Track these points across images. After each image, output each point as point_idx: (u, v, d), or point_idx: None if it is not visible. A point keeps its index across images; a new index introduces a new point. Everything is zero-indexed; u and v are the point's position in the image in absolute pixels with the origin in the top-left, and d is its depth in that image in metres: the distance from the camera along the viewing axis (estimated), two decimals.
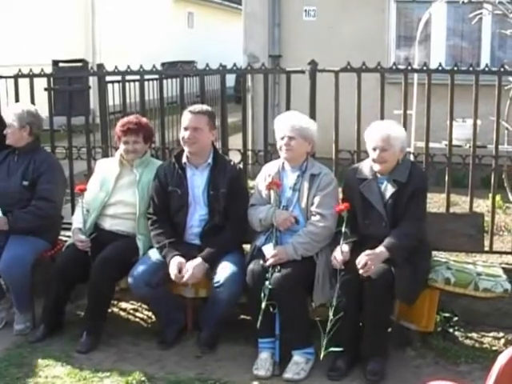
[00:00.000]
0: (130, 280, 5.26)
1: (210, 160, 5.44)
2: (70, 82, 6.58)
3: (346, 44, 10.36)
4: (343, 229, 4.91)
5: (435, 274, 5.15)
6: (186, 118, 5.38)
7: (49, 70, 6.69)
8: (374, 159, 5.08)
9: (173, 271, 5.19)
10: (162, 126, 6.27)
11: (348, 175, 5.39)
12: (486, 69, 5.84)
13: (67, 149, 6.56)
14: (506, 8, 8.00)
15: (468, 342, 5.48)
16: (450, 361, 5.19)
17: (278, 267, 4.99)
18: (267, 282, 4.91)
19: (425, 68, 5.85)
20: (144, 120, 5.77)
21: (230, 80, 15.37)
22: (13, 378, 4.95)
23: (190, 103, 6.40)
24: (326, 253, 5.13)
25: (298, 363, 5.00)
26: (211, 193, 5.38)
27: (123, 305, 6.14)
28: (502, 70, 5.76)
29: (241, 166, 5.97)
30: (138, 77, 6.40)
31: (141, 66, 6.24)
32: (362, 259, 4.85)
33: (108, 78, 6.55)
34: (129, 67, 6.23)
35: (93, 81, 6.62)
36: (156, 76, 6.73)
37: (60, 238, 6.08)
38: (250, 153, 6.29)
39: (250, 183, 6.49)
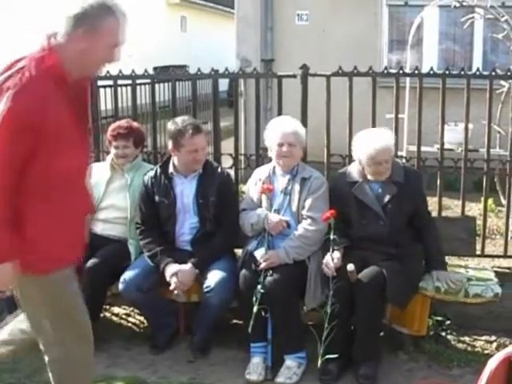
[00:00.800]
0: (121, 285, 5.26)
1: (200, 170, 5.45)
2: None
3: (339, 48, 10.37)
4: (331, 236, 4.93)
5: (425, 283, 5.15)
6: (191, 138, 5.27)
7: None
8: (380, 171, 5.12)
9: (171, 279, 5.21)
10: (153, 131, 6.28)
11: (337, 180, 5.40)
12: (478, 73, 5.85)
13: None
14: (498, 12, 8.01)
15: (460, 345, 5.48)
16: (442, 364, 5.20)
17: (270, 271, 4.99)
18: (259, 286, 4.91)
19: (416, 72, 5.88)
20: (135, 125, 5.78)
21: (224, 84, 15.31)
22: None
23: (182, 107, 6.39)
24: (317, 256, 5.13)
25: (290, 367, 5.00)
26: (200, 201, 5.37)
27: (115, 309, 6.11)
28: (494, 73, 5.78)
29: (232, 170, 5.97)
30: (130, 81, 6.39)
31: (133, 71, 6.24)
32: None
33: (100, 83, 6.55)
34: (120, 71, 6.21)
35: None
36: (148, 80, 6.69)
37: None
38: (242, 157, 6.27)
39: (243, 187, 6.49)
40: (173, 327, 5.56)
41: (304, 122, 5.79)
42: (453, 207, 8.14)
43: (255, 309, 4.89)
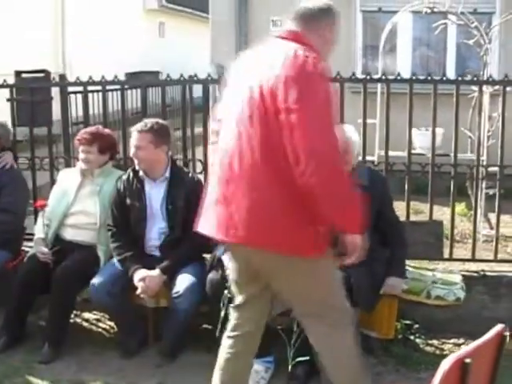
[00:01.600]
0: (91, 290, 5.29)
1: (167, 174, 5.47)
2: (32, 93, 6.59)
3: None
4: None
5: None
6: (133, 135, 5.43)
7: (12, 80, 6.68)
8: None
9: (139, 284, 5.23)
10: (123, 137, 6.28)
11: None
12: (444, 78, 5.91)
13: (30, 159, 6.56)
14: (468, 18, 8.08)
15: (429, 348, 5.53)
16: (410, 368, 5.24)
17: None
18: (226, 291, 4.93)
19: (383, 77, 5.93)
20: (103, 131, 5.80)
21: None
22: None
23: (155, 114, 6.40)
24: None
25: (258, 372, 5.02)
26: (169, 207, 5.41)
27: (86, 315, 6.13)
28: (460, 79, 5.84)
29: (201, 176, 6.00)
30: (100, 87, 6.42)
31: (102, 77, 6.25)
32: None
33: (71, 89, 6.58)
34: (90, 77, 6.24)
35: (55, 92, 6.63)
36: (118, 86, 6.71)
37: (22, 248, 6.07)
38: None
39: None
40: (142, 333, 5.58)
41: None
42: (426, 211, 8.15)
43: (222, 313, 4.91)
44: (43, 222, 5.70)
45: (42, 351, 5.39)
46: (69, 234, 5.68)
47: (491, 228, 7.35)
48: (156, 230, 5.45)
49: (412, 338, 5.58)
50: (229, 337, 4.29)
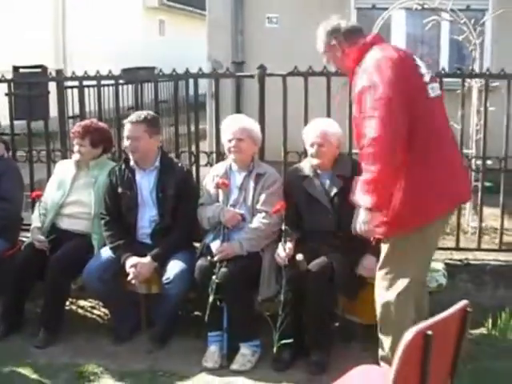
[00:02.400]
0: (83, 276, 5.48)
1: (157, 163, 5.66)
2: (29, 87, 6.77)
3: (308, 50, 10.48)
4: (283, 227, 5.15)
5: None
6: (126, 127, 5.61)
7: (10, 75, 6.86)
8: (312, 154, 5.32)
9: (130, 270, 5.41)
10: (118, 130, 6.45)
11: (290, 175, 5.64)
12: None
13: (27, 152, 6.74)
14: (457, 15, 8.21)
15: None
16: None
17: (225, 262, 5.20)
18: (214, 277, 5.12)
19: None
20: (97, 125, 5.97)
21: (202, 87, 15.50)
22: None
23: (149, 109, 6.54)
24: (271, 249, 5.34)
25: (245, 355, 5.20)
26: (159, 195, 5.59)
27: (81, 302, 6.31)
28: (443, 72, 5.99)
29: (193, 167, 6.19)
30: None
31: (97, 72, 6.42)
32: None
33: (67, 84, 6.76)
34: (86, 73, 6.41)
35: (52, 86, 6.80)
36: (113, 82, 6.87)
37: (20, 238, 6.23)
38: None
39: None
40: (134, 319, 5.76)
41: (261, 120, 6.00)
42: None
43: (211, 299, 5.10)
44: (39, 211, 5.88)
45: (38, 337, 5.58)
46: (64, 223, 5.86)
47: (481, 220, 7.49)
48: (147, 218, 5.63)
49: None
50: None
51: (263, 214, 5.37)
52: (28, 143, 6.76)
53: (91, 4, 18.90)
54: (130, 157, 5.66)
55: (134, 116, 5.64)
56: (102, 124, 6.09)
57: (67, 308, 6.06)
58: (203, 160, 6.40)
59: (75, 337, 5.72)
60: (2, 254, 5.92)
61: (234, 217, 5.39)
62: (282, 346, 5.04)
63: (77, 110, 6.86)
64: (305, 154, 5.80)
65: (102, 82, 6.65)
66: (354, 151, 6.09)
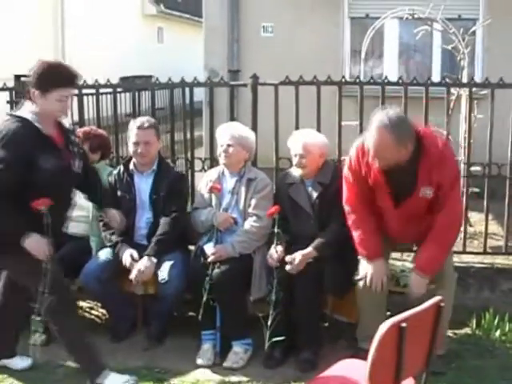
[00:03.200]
0: (81, 277, 5.69)
1: (154, 167, 5.88)
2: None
3: (303, 59, 10.71)
4: (275, 230, 5.36)
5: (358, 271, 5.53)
6: (135, 133, 5.79)
7: (11, 83, 7.08)
8: (296, 165, 5.56)
9: (127, 260, 5.63)
10: (116, 137, 6.67)
11: (278, 181, 5.89)
12: (415, 81, 6.28)
13: None
14: (446, 24, 8.42)
15: None
16: None
17: (218, 264, 5.42)
18: (207, 278, 5.34)
19: (357, 81, 6.33)
20: (95, 132, 6.21)
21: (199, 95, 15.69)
22: None
23: (146, 115, 6.73)
24: (262, 251, 5.57)
25: (237, 353, 5.41)
26: (154, 197, 5.81)
27: (80, 303, 6.49)
28: (429, 82, 6.21)
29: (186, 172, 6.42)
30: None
31: (96, 80, 6.64)
32: (293, 257, 5.30)
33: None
34: (85, 81, 6.62)
35: None
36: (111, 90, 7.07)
37: None
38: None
39: None
40: (131, 319, 5.97)
41: (254, 128, 6.21)
42: None
43: (204, 299, 5.32)
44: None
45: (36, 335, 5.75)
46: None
47: (470, 225, 7.70)
48: (144, 220, 5.87)
49: None
50: None
51: (254, 218, 5.59)
52: None
53: (90, 12, 19.09)
54: (138, 160, 5.86)
55: (142, 122, 5.84)
56: (101, 131, 6.32)
57: None
58: (198, 166, 6.61)
59: None
60: None
61: (227, 220, 5.62)
62: (274, 345, 5.24)
63: (76, 118, 7.05)
64: None
65: (101, 91, 6.86)
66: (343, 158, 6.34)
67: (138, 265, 5.58)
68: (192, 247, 5.90)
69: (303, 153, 5.53)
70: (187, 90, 6.58)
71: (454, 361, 5.36)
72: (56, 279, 4.73)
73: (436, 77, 10.25)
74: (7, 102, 6.95)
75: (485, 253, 6.52)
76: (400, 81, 6.23)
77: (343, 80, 6.29)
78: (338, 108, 6.20)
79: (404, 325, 3.13)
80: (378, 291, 5.07)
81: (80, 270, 5.72)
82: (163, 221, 5.76)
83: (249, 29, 11.40)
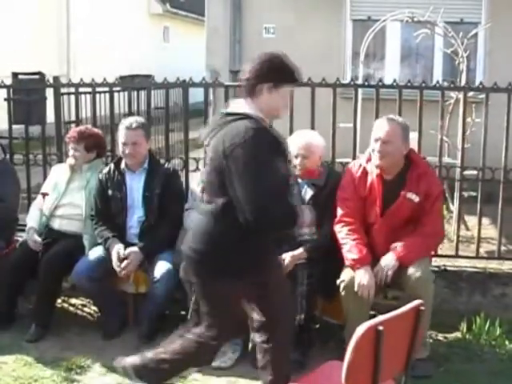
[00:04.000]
0: (73, 274, 5.73)
1: (145, 165, 5.92)
2: (28, 93, 7.04)
3: (304, 60, 10.68)
4: None
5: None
6: (124, 133, 5.83)
7: (9, 81, 7.12)
8: (295, 165, 5.56)
9: (114, 256, 5.69)
10: (111, 136, 6.69)
11: None
12: (409, 84, 6.28)
13: (25, 155, 7.00)
14: (446, 28, 8.44)
15: None
16: None
17: None
18: None
19: (352, 83, 6.36)
20: (91, 131, 6.24)
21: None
22: None
23: (144, 115, 6.75)
24: None
25: (225, 352, 5.41)
26: (146, 195, 5.84)
27: (72, 300, 6.56)
28: (424, 85, 6.22)
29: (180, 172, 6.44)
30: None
31: (92, 79, 6.66)
32: (283, 258, 5.32)
33: (63, 90, 7.02)
34: (81, 80, 6.67)
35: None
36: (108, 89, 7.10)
37: (15, 238, 6.47)
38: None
39: None
40: (122, 316, 6.01)
41: None
42: None
43: (193, 298, 5.33)
44: (41, 215, 6.18)
45: (29, 331, 5.83)
46: (57, 224, 6.13)
47: (467, 229, 7.71)
48: (135, 219, 5.90)
49: None
50: None
51: None
52: (25, 147, 7.03)
53: (95, 11, 19.14)
54: (126, 161, 5.90)
55: (130, 122, 5.88)
56: (96, 130, 6.35)
57: (59, 305, 6.34)
58: (193, 166, 6.64)
59: (65, 332, 5.97)
60: None
61: None
62: None
63: (73, 116, 7.09)
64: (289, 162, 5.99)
65: (98, 89, 6.89)
66: (337, 160, 6.36)
67: (129, 255, 5.67)
68: None
69: (306, 153, 5.54)
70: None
71: (443, 364, 5.39)
72: None
73: (436, 79, 10.24)
74: (4, 100, 6.98)
75: (477, 257, 6.51)
76: (394, 83, 6.21)
77: (338, 82, 6.29)
78: (332, 110, 6.21)
79: (381, 328, 3.15)
80: (365, 298, 5.10)
81: (73, 267, 5.76)
82: (163, 224, 5.82)
83: (251, 30, 11.44)
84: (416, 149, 6.22)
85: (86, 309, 6.50)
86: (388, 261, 5.17)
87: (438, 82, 6.37)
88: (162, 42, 25.17)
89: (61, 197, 6.15)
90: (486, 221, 7.30)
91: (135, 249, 5.71)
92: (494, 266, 6.46)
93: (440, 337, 5.89)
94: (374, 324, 3.15)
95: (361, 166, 5.44)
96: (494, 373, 5.28)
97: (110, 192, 5.91)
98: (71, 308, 6.51)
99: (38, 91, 7.09)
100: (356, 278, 5.12)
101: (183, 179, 6.44)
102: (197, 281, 4.18)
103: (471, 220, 7.57)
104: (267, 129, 3.99)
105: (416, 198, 5.21)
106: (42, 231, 6.09)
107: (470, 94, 6.87)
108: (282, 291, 4.37)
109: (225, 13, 11.46)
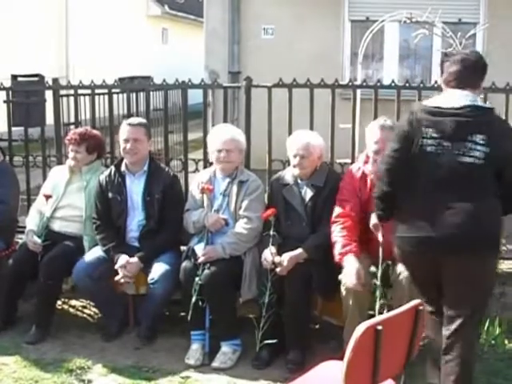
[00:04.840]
0: (74, 274, 5.75)
1: (145, 167, 5.93)
2: (27, 95, 7.06)
3: (303, 61, 10.79)
4: (271, 232, 5.38)
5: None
6: (126, 130, 5.86)
7: (8, 83, 7.13)
8: (295, 165, 5.58)
9: (120, 271, 5.69)
10: (111, 138, 6.72)
11: (272, 182, 5.89)
12: (407, 84, 6.28)
13: (24, 157, 7.02)
14: (444, 28, 8.47)
15: None
16: None
17: (208, 265, 5.45)
18: (197, 278, 5.38)
19: (350, 84, 6.38)
20: (91, 132, 6.25)
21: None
22: None
23: (143, 116, 6.76)
24: (253, 252, 5.61)
25: (226, 353, 5.45)
26: (147, 199, 5.86)
27: (73, 302, 6.57)
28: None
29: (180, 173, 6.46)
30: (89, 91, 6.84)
31: (91, 81, 6.68)
32: (283, 258, 5.34)
33: (62, 92, 7.04)
34: (80, 82, 6.68)
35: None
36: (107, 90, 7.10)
37: (15, 240, 6.48)
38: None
39: None
40: (123, 318, 6.02)
41: (247, 130, 6.25)
42: None
43: (194, 299, 5.36)
44: (41, 217, 6.17)
45: (29, 333, 5.85)
46: (57, 226, 6.13)
47: None
48: (135, 222, 5.91)
49: None
50: None
51: (245, 220, 5.62)
52: (25, 149, 7.04)
53: (94, 13, 19.18)
54: (126, 160, 5.91)
55: (134, 119, 5.96)
56: (95, 131, 6.36)
57: (59, 307, 6.34)
58: (192, 167, 6.66)
59: (65, 334, 5.99)
60: None
61: (218, 221, 5.64)
62: (262, 346, 5.32)
63: (72, 118, 7.10)
64: (288, 162, 6.02)
65: (97, 91, 6.90)
66: (337, 161, 6.38)
67: (127, 265, 5.68)
68: (184, 248, 5.93)
69: (305, 153, 5.54)
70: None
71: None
72: None
73: (435, 80, 10.25)
74: (4, 102, 7.00)
75: None
76: (393, 84, 6.23)
77: (336, 83, 6.31)
78: (331, 111, 6.23)
79: (380, 327, 3.17)
80: (357, 287, 5.03)
81: (72, 267, 5.77)
82: (163, 230, 5.85)
83: (249, 31, 11.52)
84: None
85: (85, 310, 6.51)
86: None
87: (435, 82, 6.37)
88: (160, 43, 25.22)
89: (60, 199, 6.15)
90: None
91: (135, 259, 5.71)
92: None
93: None
94: (373, 323, 3.17)
95: (360, 168, 5.46)
96: (494, 372, 5.29)
97: (110, 195, 5.92)
98: (71, 310, 6.52)
99: (37, 93, 7.11)
100: (344, 268, 5.11)
101: (182, 180, 6.46)
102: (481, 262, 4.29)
103: None
104: None
105: None
106: (41, 233, 6.09)
107: None
108: None
109: (223, 14, 11.52)
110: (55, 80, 6.95)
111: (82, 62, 17.94)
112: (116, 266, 5.69)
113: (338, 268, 5.29)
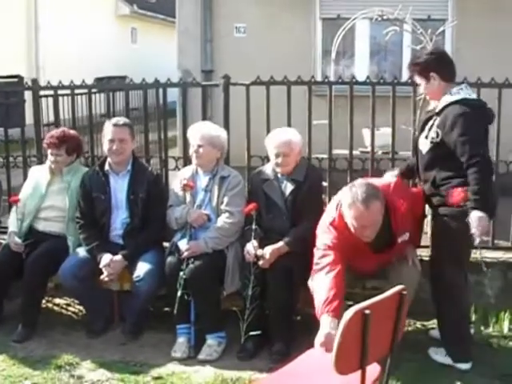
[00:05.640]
0: (59, 274, 5.82)
1: (129, 167, 6.02)
2: (6, 96, 7.11)
3: (276, 59, 10.86)
4: (253, 226, 5.51)
5: None
6: (111, 130, 5.93)
7: None
8: (278, 164, 5.69)
9: (104, 269, 5.77)
10: (91, 138, 6.79)
11: (253, 177, 6.01)
12: (382, 81, 6.43)
13: (4, 158, 7.07)
14: (415, 25, 8.60)
15: None
16: None
17: (192, 259, 5.56)
18: (182, 273, 5.49)
19: (326, 80, 6.51)
20: (69, 133, 6.29)
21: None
22: None
23: (121, 115, 6.83)
24: (235, 246, 5.73)
25: (211, 346, 5.57)
26: (131, 197, 5.95)
27: (57, 300, 6.65)
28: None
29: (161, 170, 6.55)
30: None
31: (71, 81, 6.75)
32: (264, 251, 5.46)
33: (42, 93, 7.09)
34: (60, 82, 6.74)
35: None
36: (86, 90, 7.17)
37: None
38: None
39: None
40: (108, 314, 6.11)
41: (226, 127, 6.35)
42: None
43: (179, 293, 5.47)
44: (16, 216, 6.19)
45: (16, 332, 5.91)
46: (41, 226, 6.20)
47: None
48: (119, 221, 5.99)
49: None
50: None
51: (227, 214, 5.74)
52: (5, 149, 7.11)
53: (63, 12, 19.13)
54: (112, 160, 5.99)
55: (117, 120, 6.02)
56: (73, 132, 6.38)
57: (44, 305, 6.40)
58: (172, 165, 6.75)
59: (51, 331, 6.06)
60: None
61: (200, 217, 5.75)
62: (247, 338, 5.43)
63: (52, 118, 7.16)
64: (267, 158, 6.13)
65: (76, 91, 6.96)
66: (313, 156, 6.49)
67: (111, 264, 5.78)
68: (167, 244, 6.02)
69: (287, 151, 5.67)
70: (161, 90, 6.67)
71: (419, 351, 5.53)
72: None
73: (406, 76, 10.39)
74: None
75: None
76: (368, 80, 6.36)
77: (313, 80, 6.43)
78: (307, 107, 6.35)
79: (368, 311, 3.29)
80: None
81: (57, 267, 5.84)
82: (147, 228, 5.95)
83: (222, 29, 11.56)
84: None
85: (70, 308, 6.59)
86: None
87: (410, 78, 6.51)
88: (129, 43, 25.18)
89: (43, 200, 6.20)
90: None
91: (119, 257, 5.81)
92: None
93: (418, 324, 6.08)
94: (361, 308, 3.30)
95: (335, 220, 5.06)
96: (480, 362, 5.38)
97: (94, 194, 6.00)
98: (56, 308, 6.60)
99: (17, 94, 7.16)
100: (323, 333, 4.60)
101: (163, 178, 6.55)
102: None
103: None
104: None
105: (406, 236, 5.19)
106: (22, 234, 6.14)
107: None
108: None
109: (195, 13, 11.55)
110: (34, 81, 7.01)
111: (52, 63, 17.88)
112: (100, 266, 5.77)
113: None
